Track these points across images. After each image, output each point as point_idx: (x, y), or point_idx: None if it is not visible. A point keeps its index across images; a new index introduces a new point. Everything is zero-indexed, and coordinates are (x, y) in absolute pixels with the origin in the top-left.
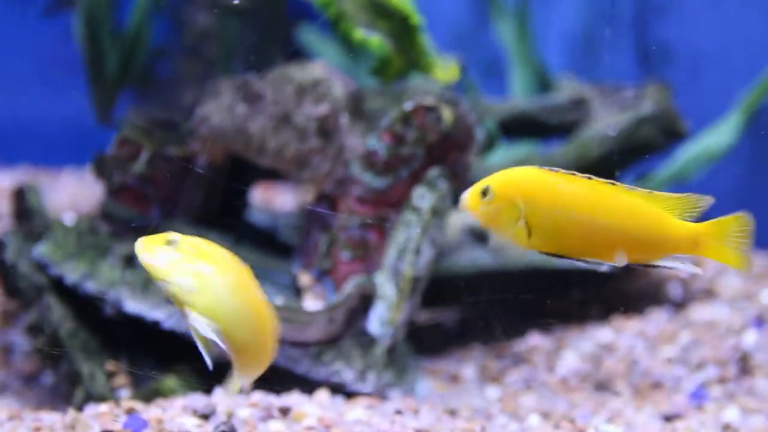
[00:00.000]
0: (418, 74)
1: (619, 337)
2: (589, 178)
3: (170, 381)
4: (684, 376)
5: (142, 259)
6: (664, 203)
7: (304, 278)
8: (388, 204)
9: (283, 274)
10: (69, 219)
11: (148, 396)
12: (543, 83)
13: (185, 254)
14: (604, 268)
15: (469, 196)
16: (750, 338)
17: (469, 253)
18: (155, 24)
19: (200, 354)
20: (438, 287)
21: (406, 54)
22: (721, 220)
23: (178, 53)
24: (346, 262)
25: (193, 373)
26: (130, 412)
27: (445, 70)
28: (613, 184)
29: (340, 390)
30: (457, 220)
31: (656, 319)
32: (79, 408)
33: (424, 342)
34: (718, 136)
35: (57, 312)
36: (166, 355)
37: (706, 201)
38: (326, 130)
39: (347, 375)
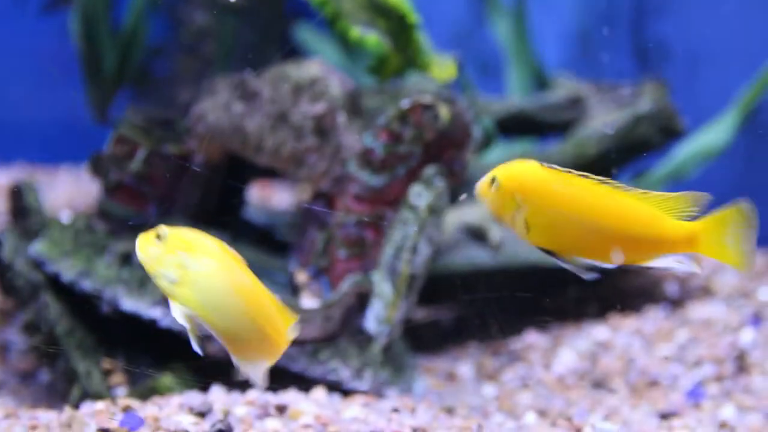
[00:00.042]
0: (415, 72)
1: (615, 335)
2: (585, 177)
3: (167, 379)
4: (681, 374)
5: (137, 254)
6: (659, 203)
7: (301, 276)
8: (385, 202)
9: (279, 272)
10: (66, 217)
11: (145, 394)
12: (540, 81)
13: (170, 246)
14: (588, 276)
15: (482, 184)
16: (747, 336)
17: (466, 251)
18: (152, 22)
19: (196, 352)
20: (435, 285)
21: (403, 52)
22: (717, 216)
23: (175, 52)
24: (343, 260)
25: (190, 371)
26: (127, 410)
27: (443, 68)
28: (609, 183)
29: (336, 388)
30: (454, 218)
31: (653, 317)
32: (76, 406)
33: (421, 340)
34: (715, 134)
35: (53, 310)
36: (162, 353)
37: (703, 199)
38: (323, 128)
39: (344, 373)
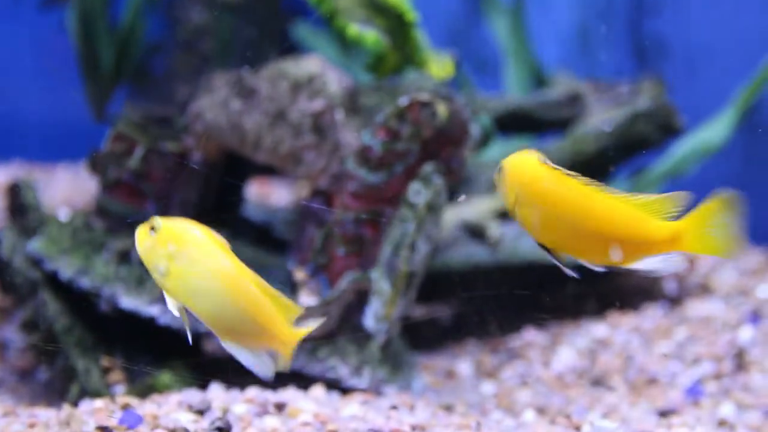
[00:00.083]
0: (413, 70)
1: (614, 332)
2: (574, 176)
3: (165, 377)
4: (679, 372)
5: (136, 247)
6: (643, 205)
7: (300, 274)
8: (384, 199)
9: (278, 269)
10: (64, 214)
11: (144, 392)
12: (538, 79)
13: (161, 239)
14: (570, 274)
15: (497, 171)
16: (746, 334)
17: (464, 249)
18: (150, 20)
19: (195, 349)
20: (433, 283)
21: (400, 50)
22: (698, 212)
23: (172, 49)
24: (342, 257)
25: (189, 369)
26: (126, 407)
27: (440, 65)
28: (595, 184)
29: (335, 386)
30: (452, 216)
31: (652, 315)
32: (75, 404)
33: (420, 337)
34: (713, 132)
35: (52, 308)
36: (161, 351)
37: (686, 198)
38: (321, 125)
39: (342, 371)
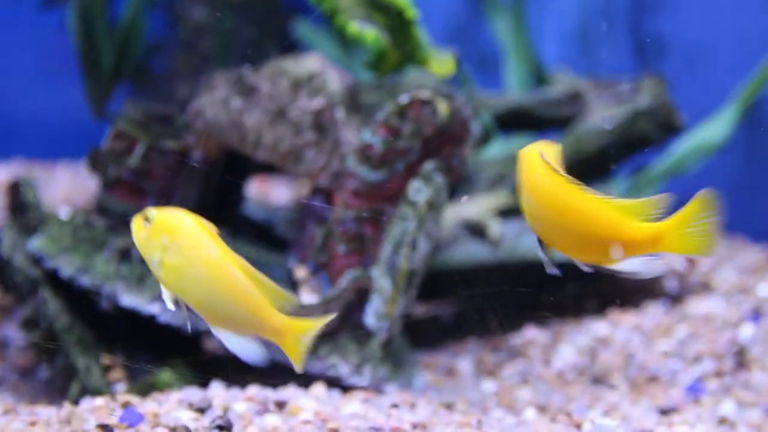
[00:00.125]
0: (414, 68)
1: (615, 330)
2: (561, 173)
3: (166, 375)
4: (680, 370)
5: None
6: (625, 207)
7: (300, 272)
8: (384, 197)
9: (278, 267)
10: (64, 213)
11: (144, 390)
12: (539, 77)
13: (155, 230)
14: (552, 271)
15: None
16: (746, 332)
17: (465, 247)
18: (150, 18)
19: (196, 347)
20: (434, 281)
21: (401, 48)
22: (679, 214)
23: (173, 47)
24: (342, 255)
25: (189, 367)
26: (126, 405)
27: (441, 63)
28: (579, 184)
29: (336, 384)
30: (453, 214)
31: (652, 313)
32: (75, 402)
33: (421, 336)
34: (713, 130)
35: (52, 306)
36: (161, 349)
37: (667, 200)
38: (321, 123)
39: (343, 369)
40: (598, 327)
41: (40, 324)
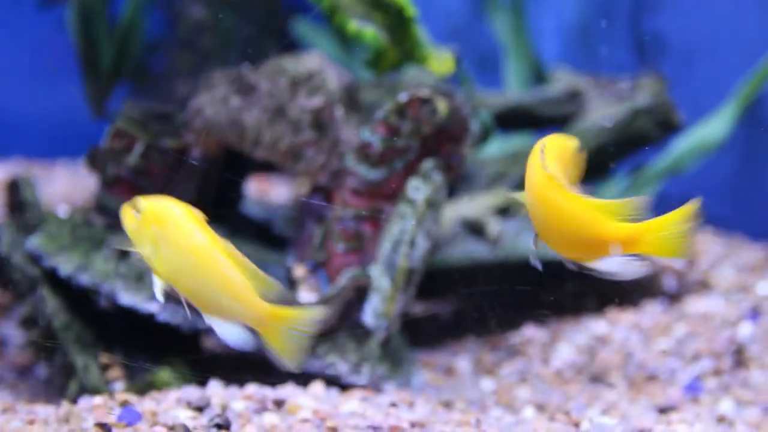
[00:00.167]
0: (413, 66)
1: (613, 329)
2: (550, 171)
3: (164, 373)
4: (679, 369)
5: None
6: (603, 206)
7: (299, 270)
8: (383, 196)
9: (277, 266)
10: (63, 211)
11: (143, 388)
12: (538, 75)
13: (145, 220)
14: (535, 263)
15: None
16: (745, 330)
17: (464, 246)
18: (149, 17)
19: (194, 346)
20: (433, 279)
21: (400, 46)
22: (659, 219)
23: (172, 46)
24: (341, 254)
25: (188, 366)
26: (125, 404)
27: (440, 62)
28: (563, 181)
29: (334, 382)
30: (452, 212)
31: (651, 312)
32: (74, 401)
33: (419, 334)
34: (713, 128)
35: (51, 304)
36: (160, 348)
37: (644, 203)
38: (321, 122)
39: (342, 367)
40: (596, 326)
41: (39, 322)
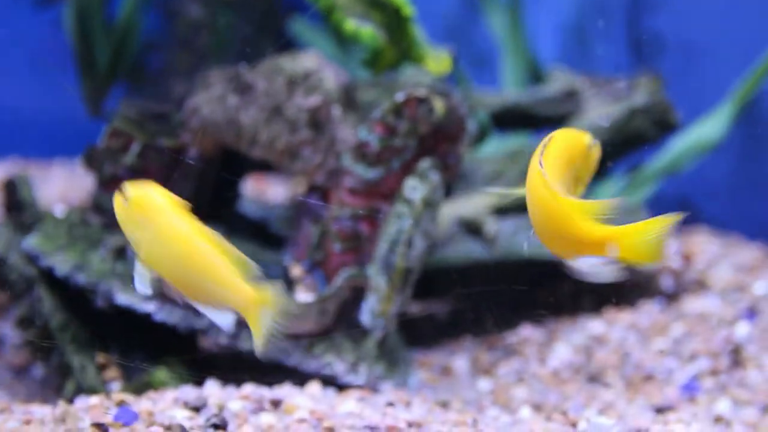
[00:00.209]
0: (410, 66)
1: (611, 329)
2: (538, 167)
3: (161, 373)
4: (676, 368)
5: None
6: (581, 207)
7: (296, 270)
8: (380, 195)
9: (274, 265)
10: (60, 211)
11: (139, 388)
12: (535, 75)
13: (132, 207)
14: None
15: None
16: (742, 330)
17: (461, 245)
18: (146, 16)
19: (191, 346)
20: (430, 279)
21: (397, 45)
22: (635, 225)
23: (169, 45)
24: (338, 253)
25: (184, 366)
26: (121, 404)
27: (437, 61)
28: (547, 179)
29: (331, 382)
30: (449, 212)
31: (648, 311)
32: (70, 401)
33: (416, 334)
34: (710, 127)
35: (47, 304)
36: (157, 348)
37: (618, 204)
38: (318, 121)
39: (339, 367)
40: (593, 325)
41: (35, 322)
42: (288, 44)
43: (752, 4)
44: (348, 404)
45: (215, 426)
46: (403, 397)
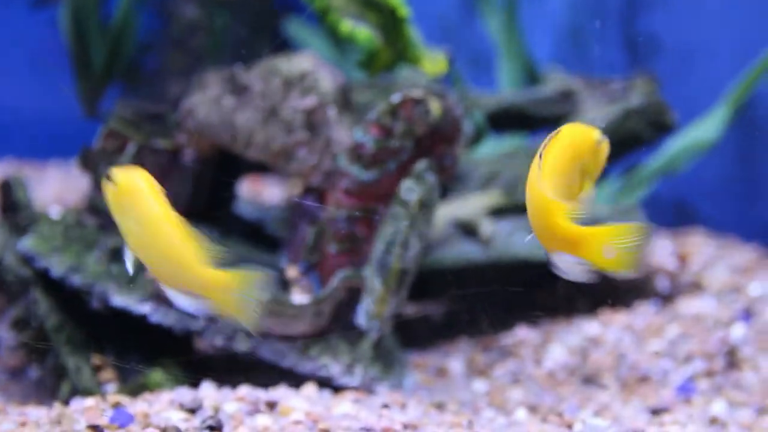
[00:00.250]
0: (406, 67)
1: (606, 330)
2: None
3: (157, 375)
4: (671, 370)
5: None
6: (556, 205)
7: (291, 271)
8: (376, 197)
9: (270, 267)
10: (55, 212)
11: (135, 390)
12: (531, 76)
13: (118, 191)
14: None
15: None
16: (737, 331)
17: (456, 247)
18: (142, 16)
19: (187, 347)
20: (425, 280)
21: (393, 46)
22: (604, 228)
23: (165, 46)
24: (334, 255)
25: (180, 367)
26: (117, 406)
27: (433, 62)
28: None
29: (327, 384)
30: (444, 213)
31: (644, 313)
32: (66, 402)
33: (412, 335)
34: (706, 129)
35: (43, 306)
36: (152, 349)
37: (587, 203)
38: (313, 122)
39: (334, 369)
40: (589, 327)
41: (31, 324)
42: (284, 45)
43: (748, 5)
44: (343, 406)
45: (211, 428)
46: (398, 398)
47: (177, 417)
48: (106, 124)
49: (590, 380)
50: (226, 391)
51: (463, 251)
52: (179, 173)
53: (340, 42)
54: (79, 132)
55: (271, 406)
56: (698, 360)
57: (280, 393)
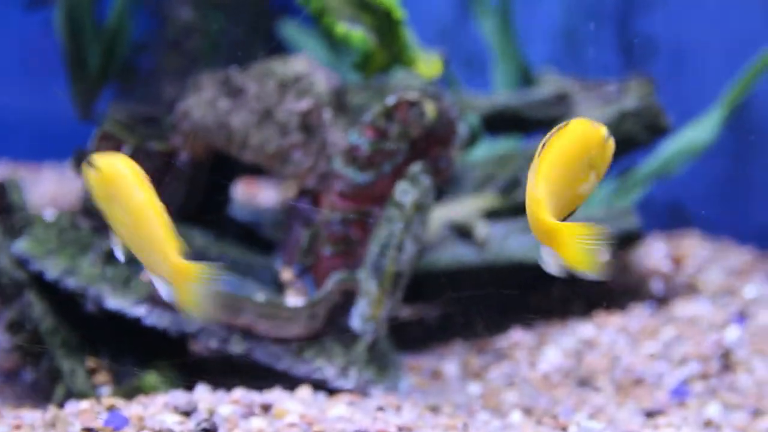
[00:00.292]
0: (401, 69)
1: (601, 332)
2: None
3: (151, 378)
4: (666, 372)
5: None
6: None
7: (286, 274)
8: (371, 199)
9: (265, 269)
10: (50, 215)
11: (130, 393)
12: (526, 78)
13: (101, 179)
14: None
15: None
16: (732, 334)
17: (451, 249)
18: (137, 18)
19: (182, 350)
20: (420, 283)
21: (388, 48)
22: (570, 224)
23: (160, 48)
24: (329, 257)
25: (175, 370)
26: (111, 409)
27: (428, 64)
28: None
29: (321, 386)
30: (439, 216)
31: (638, 315)
32: (60, 405)
33: (406, 338)
34: (701, 131)
35: (37, 308)
36: (147, 352)
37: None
38: (308, 124)
39: (329, 371)
40: (584, 329)
41: (25, 326)
42: (279, 47)
43: (743, 7)
44: (338, 409)
45: (205, 430)
46: (393, 401)
47: (172, 420)
48: (100, 127)
49: (585, 383)
50: (221, 394)
51: (458, 254)
52: (174, 176)
53: (335, 44)
54: (74, 134)
55: (266, 408)
56: (693, 362)
57: (275, 396)
